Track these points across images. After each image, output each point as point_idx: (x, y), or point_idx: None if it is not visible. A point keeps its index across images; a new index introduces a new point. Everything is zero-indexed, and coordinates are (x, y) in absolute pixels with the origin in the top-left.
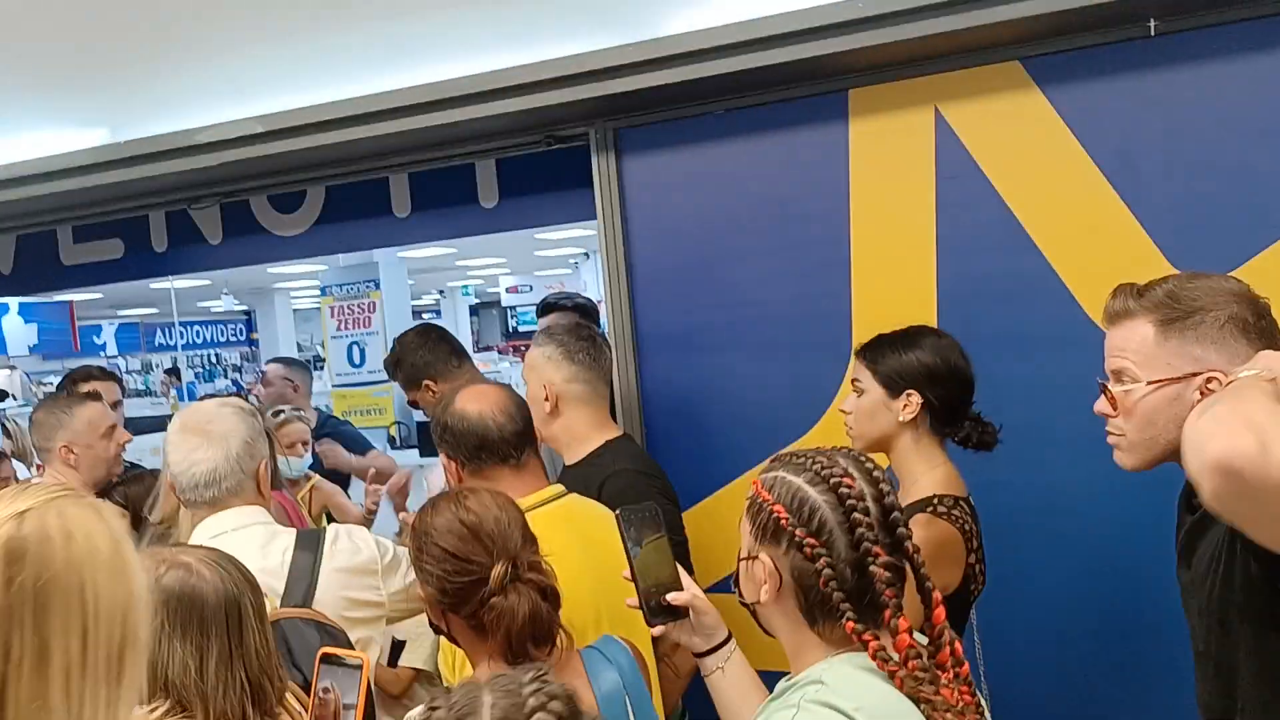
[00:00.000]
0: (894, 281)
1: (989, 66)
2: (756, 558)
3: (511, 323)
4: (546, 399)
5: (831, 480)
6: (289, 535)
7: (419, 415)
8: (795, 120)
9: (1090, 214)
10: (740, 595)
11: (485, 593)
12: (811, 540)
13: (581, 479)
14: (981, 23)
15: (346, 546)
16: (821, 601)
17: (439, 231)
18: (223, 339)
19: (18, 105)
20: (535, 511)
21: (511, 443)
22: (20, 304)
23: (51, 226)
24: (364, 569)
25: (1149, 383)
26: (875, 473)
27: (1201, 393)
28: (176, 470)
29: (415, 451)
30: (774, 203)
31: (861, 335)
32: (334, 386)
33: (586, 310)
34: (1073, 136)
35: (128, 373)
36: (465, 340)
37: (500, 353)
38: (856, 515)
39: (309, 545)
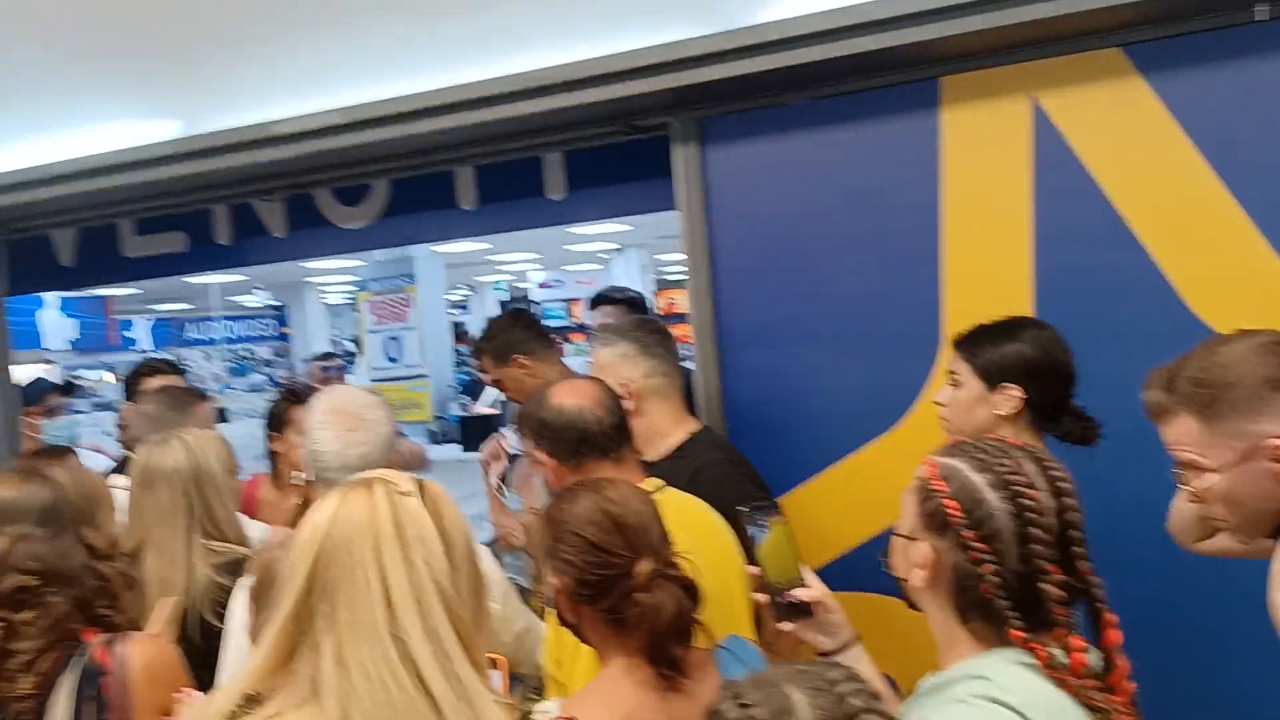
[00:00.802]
0: (987, 275)
1: (1089, 53)
2: (916, 540)
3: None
4: (627, 397)
5: (1014, 487)
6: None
7: (460, 410)
8: (885, 109)
9: (1195, 206)
10: (889, 566)
11: (628, 587)
12: (980, 545)
13: (669, 473)
14: (1081, 8)
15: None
16: (981, 603)
17: (504, 224)
18: (254, 334)
19: (94, 98)
20: None
21: (611, 436)
22: (60, 298)
23: (115, 219)
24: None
25: (1217, 470)
26: (1061, 484)
27: (1274, 458)
28: (325, 449)
29: (458, 447)
30: (861, 194)
31: (951, 329)
32: (371, 381)
33: (637, 304)
34: (1177, 126)
35: None
36: None
37: None
38: (1034, 530)
39: None
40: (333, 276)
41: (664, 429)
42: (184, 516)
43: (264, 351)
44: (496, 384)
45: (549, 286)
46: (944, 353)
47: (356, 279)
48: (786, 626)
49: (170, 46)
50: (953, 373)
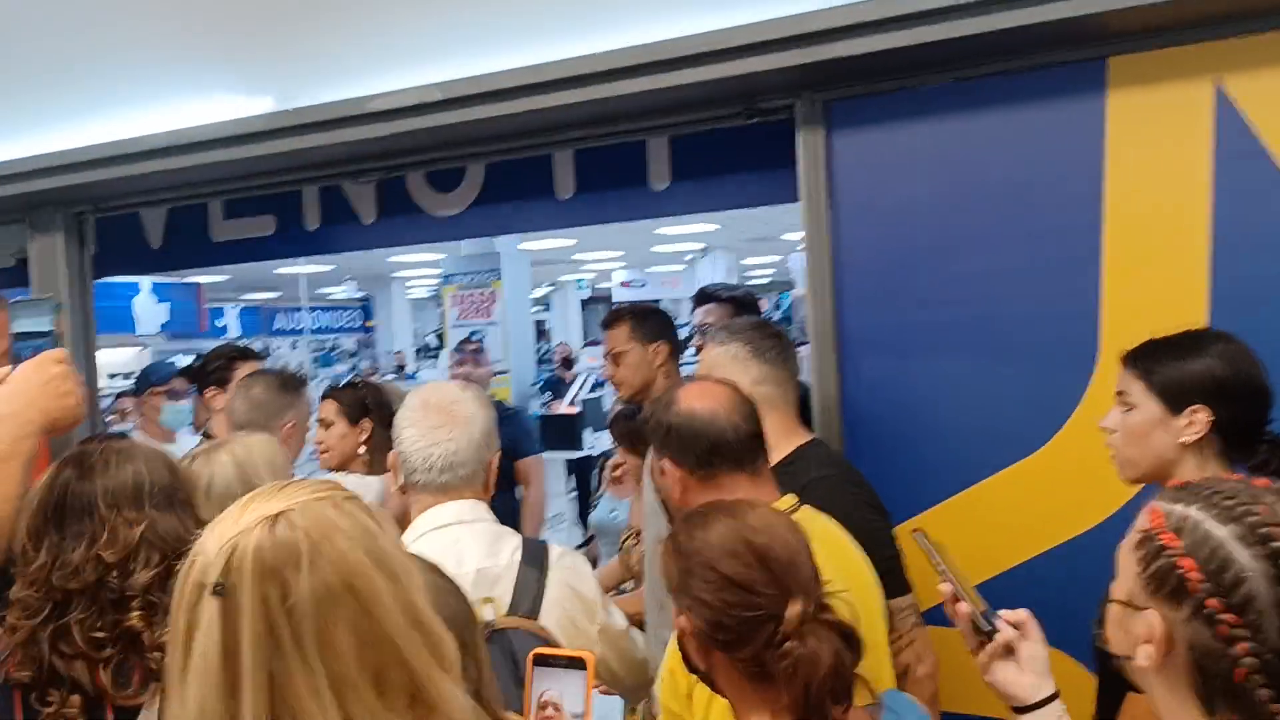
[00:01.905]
0: (1157, 280)
1: None
2: (1140, 610)
3: None
4: None
5: (1272, 543)
6: (515, 537)
7: (541, 409)
8: (1041, 92)
9: None
10: (1104, 640)
11: (775, 634)
12: (1230, 617)
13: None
14: None
15: (571, 564)
16: (1231, 692)
17: (602, 214)
18: (340, 325)
19: (184, 71)
20: None
21: (748, 446)
22: (153, 283)
23: (204, 200)
24: (586, 595)
25: None
26: None
27: None
28: (411, 448)
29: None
30: (1010, 187)
31: (1113, 340)
32: (453, 377)
33: (745, 303)
34: None
35: None
36: (576, 334)
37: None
38: None
39: (536, 554)
40: (418, 270)
41: (771, 441)
42: None
43: (349, 343)
44: (615, 357)
45: (631, 286)
46: (1101, 367)
47: (441, 273)
48: (987, 659)
49: (263, 18)
50: (1123, 393)
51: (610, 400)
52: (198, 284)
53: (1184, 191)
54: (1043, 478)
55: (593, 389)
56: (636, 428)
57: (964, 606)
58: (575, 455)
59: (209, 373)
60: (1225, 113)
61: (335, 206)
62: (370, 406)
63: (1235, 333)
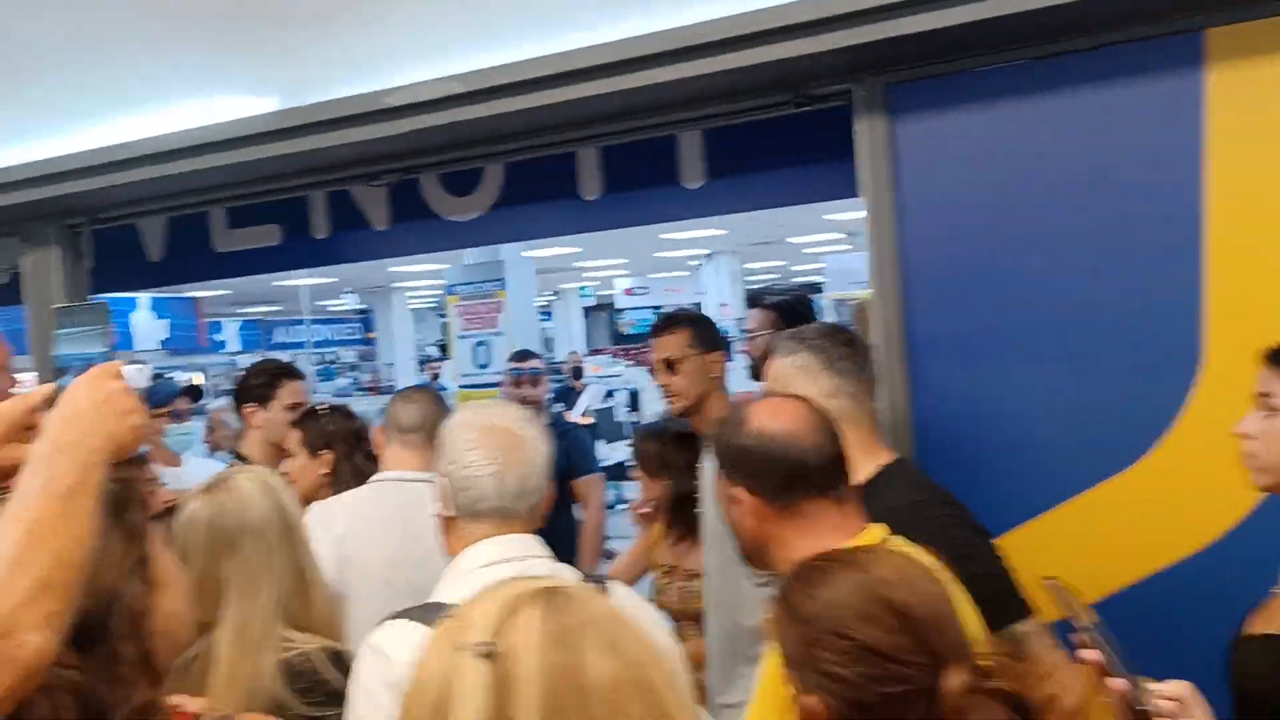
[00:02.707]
0: (1268, 271)
1: None
2: None
3: (621, 326)
4: None
5: None
6: (568, 575)
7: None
8: (1128, 69)
9: None
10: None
11: (933, 711)
12: None
13: None
14: None
15: (635, 604)
16: None
17: (633, 216)
18: (340, 338)
19: (182, 69)
20: None
21: (833, 468)
22: (151, 298)
23: (206, 209)
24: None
25: None
26: None
27: None
28: (481, 472)
29: None
30: (1095, 174)
31: (1219, 339)
32: (460, 387)
33: (795, 308)
34: None
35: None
36: (579, 343)
37: (614, 356)
38: None
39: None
40: (420, 281)
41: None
42: (270, 586)
43: (349, 356)
44: (670, 364)
45: (634, 293)
46: (1205, 370)
47: (443, 283)
48: None
49: (266, 12)
50: (1267, 395)
51: (623, 411)
52: (195, 298)
53: None
54: (1143, 493)
55: (604, 399)
56: (664, 452)
57: (1119, 682)
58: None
59: (251, 389)
60: None
61: (344, 214)
62: (335, 437)
63: None
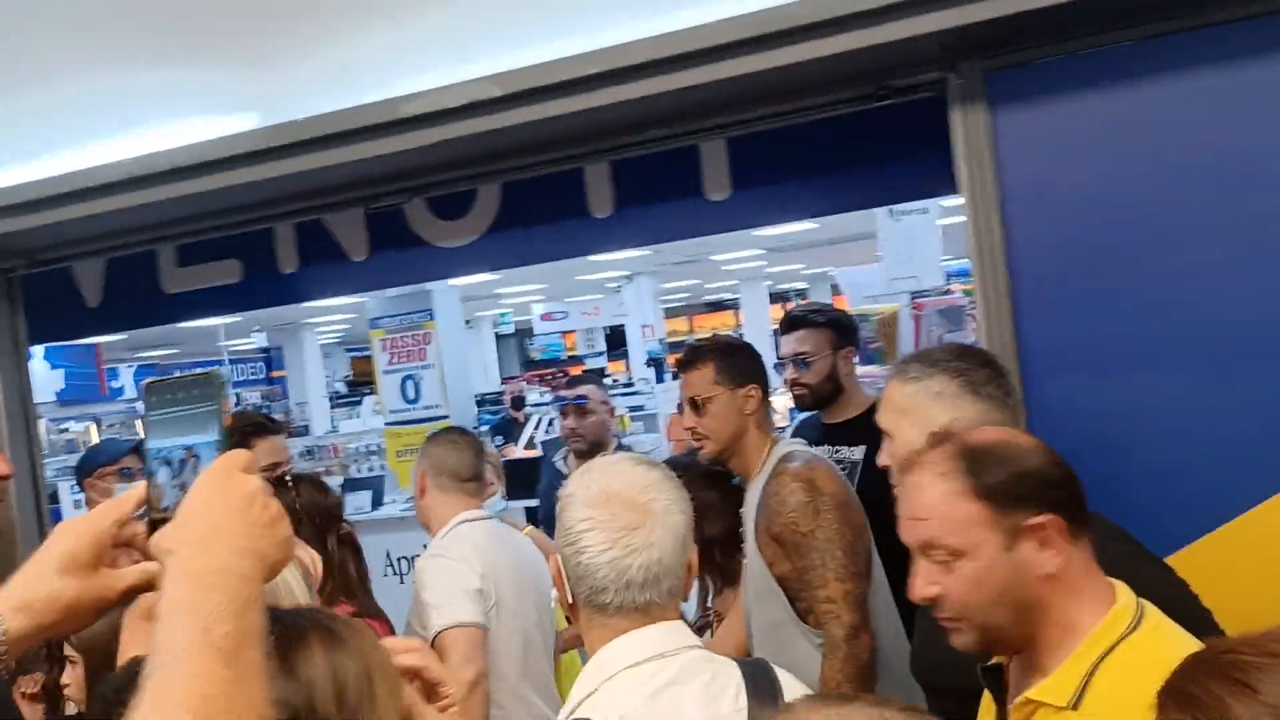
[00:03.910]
0: None
1: None
2: None
3: (532, 353)
4: None
5: None
6: (730, 668)
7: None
8: (1262, 46)
9: None
10: None
11: None
12: None
13: None
14: None
15: (800, 693)
16: None
17: (653, 234)
18: (242, 379)
19: (144, 87)
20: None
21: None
22: (46, 348)
23: (152, 247)
24: None
25: None
26: None
27: None
28: (599, 559)
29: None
30: (1231, 163)
31: None
32: (387, 424)
33: (845, 325)
34: None
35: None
36: (493, 373)
37: (528, 383)
38: None
39: (763, 688)
40: (332, 315)
41: None
42: None
43: (254, 396)
44: (697, 404)
45: (553, 318)
46: None
47: (352, 317)
48: None
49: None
50: None
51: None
52: (95, 345)
53: None
54: None
55: (549, 428)
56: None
57: None
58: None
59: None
60: None
61: (316, 245)
62: (301, 514)
63: None
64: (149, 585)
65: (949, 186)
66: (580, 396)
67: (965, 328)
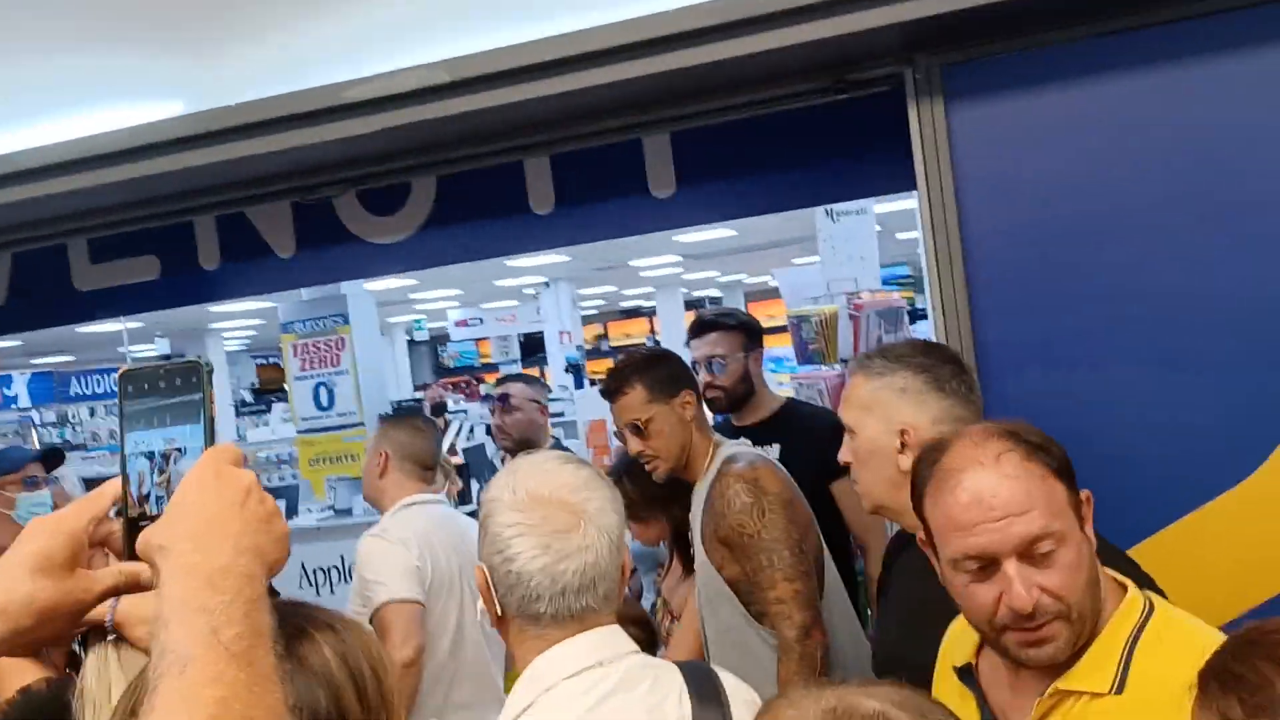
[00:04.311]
0: None
1: None
2: None
3: (445, 360)
4: (903, 450)
5: None
6: (673, 674)
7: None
8: (1219, 43)
9: None
10: None
11: None
12: None
13: None
14: None
15: (746, 696)
16: None
17: (596, 230)
18: None
19: (64, 72)
20: None
21: None
22: None
23: (62, 241)
24: None
25: None
26: None
27: None
28: (530, 566)
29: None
30: (1187, 159)
31: None
32: (299, 432)
33: (754, 328)
34: None
35: (41, 425)
36: (405, 380)
37: (443, 389)
38: None
39: (707, 694)
40: (240, 321)
41: None
42: None
43: None
44: (637, 429)
45: (468, 324)
46: None
47: (259, 323)
48: None
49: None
50: None
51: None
52: None
53: None
54: (1257, 509)
55: (470, 435)
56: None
57: None
58: (466, 510)
59: None
60: None
61: (240, 240)
62: None
63: None
64: (129, 587)
65: (904, 183)
66: (505, 394)
67: (903, 328)
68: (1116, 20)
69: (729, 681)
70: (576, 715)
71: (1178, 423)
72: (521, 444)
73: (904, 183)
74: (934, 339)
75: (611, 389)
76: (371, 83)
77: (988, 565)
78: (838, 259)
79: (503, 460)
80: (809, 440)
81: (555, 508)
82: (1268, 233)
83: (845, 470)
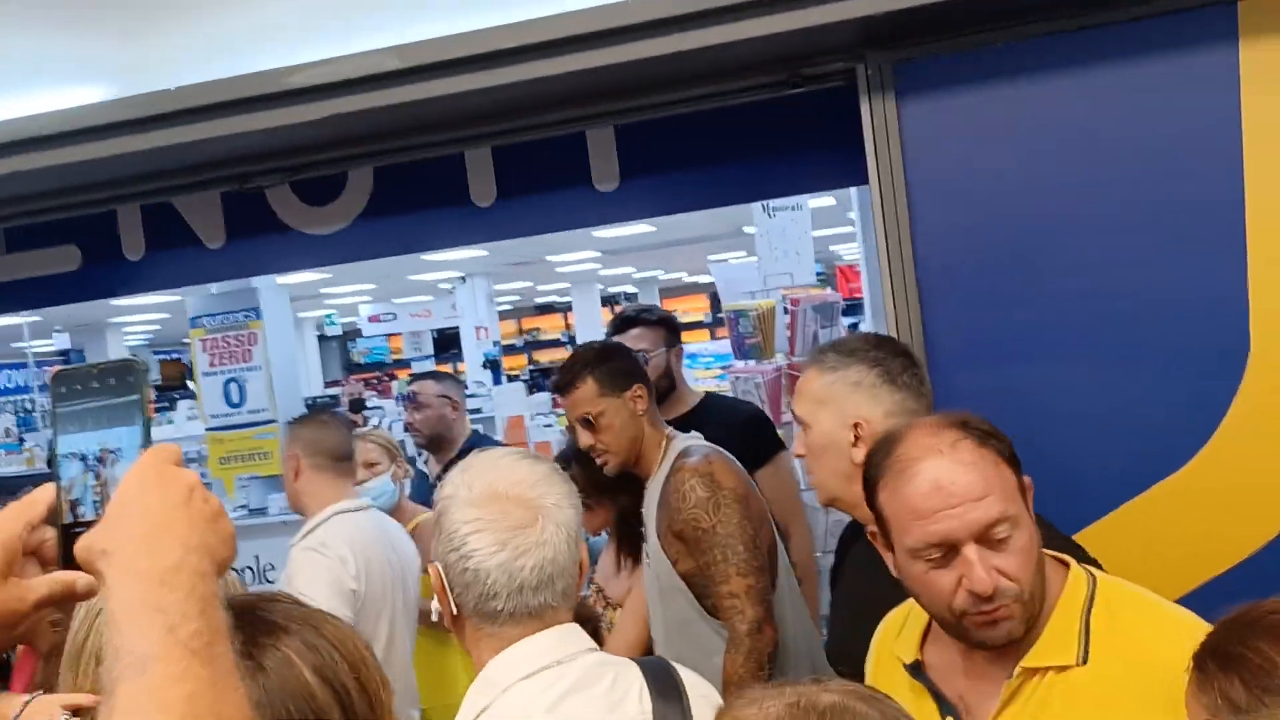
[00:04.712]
0: None
1: None
2: None
3: (355, 355)
4: (857, 443)
5: None
6: (631, 670)
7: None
8: (1157, 46)
9: None
10: None
11: None
12: None
13: None
14: None
15: (704, 691)
16: None
17: (534, 224)
18: (38, 383)
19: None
20: None
21: None
22: None
23: None
24: None
25: None
26: None
27: None
28: (489, 563)
29: None
30: (1129, 159)
31: (1264, 334)
32: (208, 430)
33: (674, 325)
34: None
35: None
36: (315, 377)
37: (354, 385)
38: None
39: (667, 690)
40: (140, 315)
41: None
42: None
43: (47, 401)
44: (588, 423)
45: (380, 320)
46: (1255, 365)
47: (163, 317)
48: None
49: None
50: None
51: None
52: None
53: None
54: (1189, 500)
55: (389, 431)
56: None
57: None
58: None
59: None
60: None
61: (166, 229)
62: None
63: None
64: (65, 596)
65: (855, 178)
66: (412, 392)
67: (837, 323)
68: (1064, 21)
69: (688, 678)
70: (535, 715)
71: (1119, 415)
72: (433, 441)
73: (855, 178)
74: (878, 332)
75: (563, 383)
76: (317, 68)
77: (947, 552)
78: (774, 254)
79: (423, 458)
80: (729, 432)
81: (512, 504)
82: (1203, 233)
83: (767, 459)
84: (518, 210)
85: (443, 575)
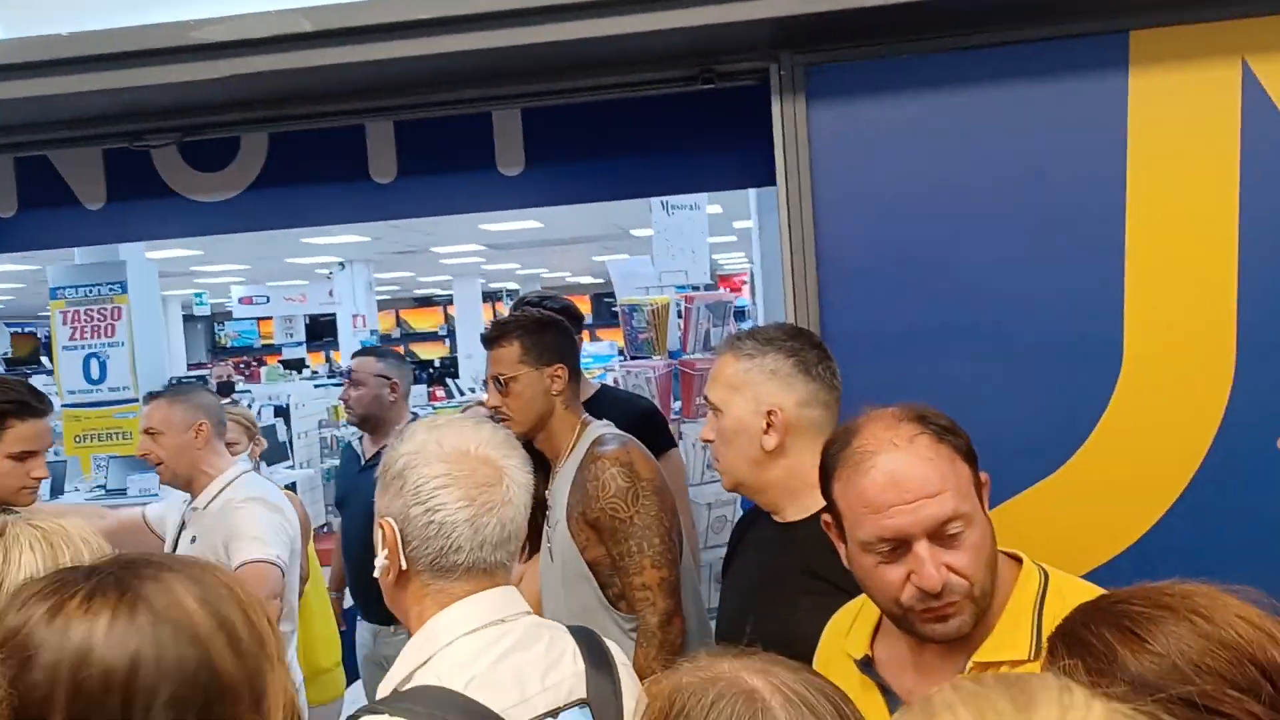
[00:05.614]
0: (1183, 271)
1: None
2: None
3: (223, 339)
4: (769, 430)
5: None
6: (564, 634)
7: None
8: (1054, 67)
9: None
10: None
11: None
12: None
13: (820, 546)
14: None
15: (624, 660)
16: None
17: (435, 204)
18: None
19: None
20: None
21: None
22: None
23: None
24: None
25: None
26: None
27: None
28: (456, 517)
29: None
30: (1021, 171)
31: (1137, 337)
32: (65, 406)
33: (573, 314)
34: None
35: None
36: (179, 359)
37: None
38: None
39: (597, 655)
40: None
41: (812, 481)
42: None
43: None
44: (501, 383)
45: (254, 302)
46: (1129, 369)
47: (20, 287)
48: None
49: None
50: None
51: (283, 429)
52: None
53: (1211, 177)
54: (1066, 499)
55: (259, 416)
56: None
57: None
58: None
59: None
60: (1253, 94)
61: (41, 186)
62: None
63: (1263, 327)
64: None
65: (764, 177)
66: (350, 369)
67: (729, 322)
68: (972, 38)
69: (611, 646)
70: (480, 669)
71: (997, 419)
72: (365, 420)
73: (762, 178)
74: (794, 324)
75: (491, 337)
76: (224, 24)
77: (898, 546)
78: (670, 252)
79: (361, 443)
80: (626, 425)
81: (480, 462)
82: (1086, 243)
83: (659, 455)
84: (418, 189)
85: (397, 530)
